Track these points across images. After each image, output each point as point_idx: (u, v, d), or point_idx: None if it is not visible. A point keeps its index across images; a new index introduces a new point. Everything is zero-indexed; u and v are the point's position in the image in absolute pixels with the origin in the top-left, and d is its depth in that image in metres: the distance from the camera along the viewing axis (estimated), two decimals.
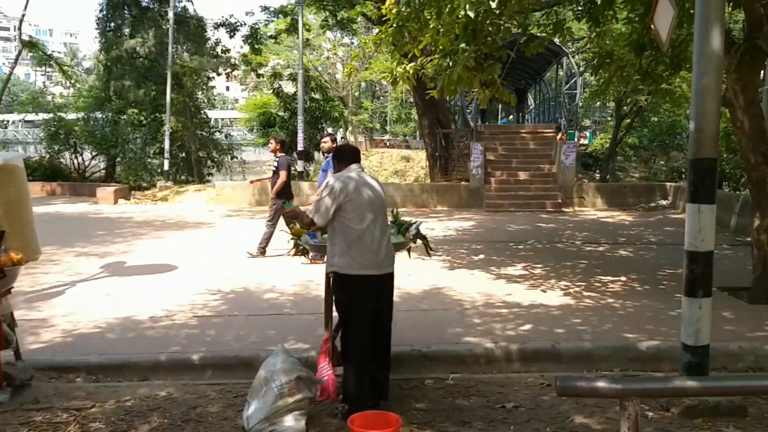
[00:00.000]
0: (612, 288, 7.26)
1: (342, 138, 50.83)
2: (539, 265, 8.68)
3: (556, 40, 10.39)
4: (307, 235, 4.75)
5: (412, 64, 8.68)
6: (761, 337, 5.22)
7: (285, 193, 9.33)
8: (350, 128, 46.76)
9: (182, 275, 8.24)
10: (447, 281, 7.62)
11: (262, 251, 9.35)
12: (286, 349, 4.20)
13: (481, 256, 9.45)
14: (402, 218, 5.28)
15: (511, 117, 38.89)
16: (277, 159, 9.39)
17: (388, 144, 48.48)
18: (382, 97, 55.61)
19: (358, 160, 4.43)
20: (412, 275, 7.65)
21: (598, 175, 37.25)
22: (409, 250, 5.19)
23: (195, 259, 9.37)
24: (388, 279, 4.13)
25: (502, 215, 15.08)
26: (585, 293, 6.97)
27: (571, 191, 16.77)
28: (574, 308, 6.29)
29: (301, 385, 3.74)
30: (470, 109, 18.80)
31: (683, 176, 18.91)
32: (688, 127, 24.30)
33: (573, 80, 19.28)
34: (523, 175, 17.07)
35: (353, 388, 3.97)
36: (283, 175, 9.21)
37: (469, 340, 5.29)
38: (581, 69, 23.12)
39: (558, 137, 18.04)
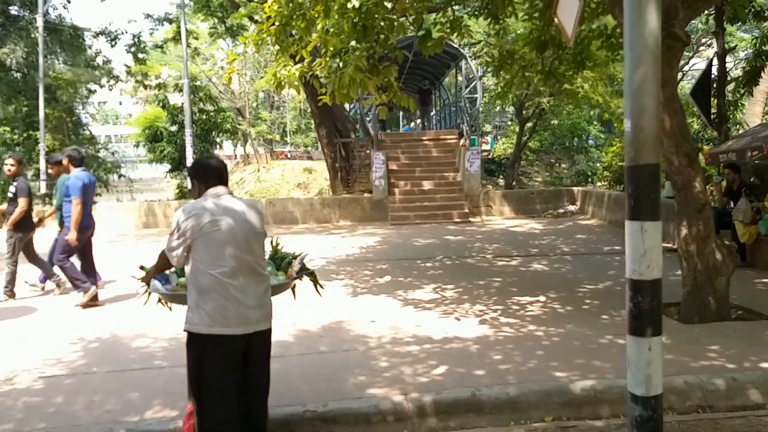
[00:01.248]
0: (531, 311, 6.64)
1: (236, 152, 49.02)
2: (450, 286, 7.99)
3: (455, 39, 9.85)
4: (156, 281, 3.75)
5: (297, 66, 7.83)
6: (706, 368, 4.69)
7: (25, 225, 7.87)
8: (249, 140, 45.22)
9: (38, 319, 6.93)
10: (349, 312, 6.75)
11: (10, 293, 7.92)
12: None
13: (387, 278, 8.67)
14: (284, 250, 4.39)
15: (412, 124, 38.78)
16: (14, 183, 7.88)
17: (289, 156, 47.29)
18: (281, 107, 54.32)
19: (224, 181, 3.51)
20: (309, 306, 6.72)
21: (502, 181, 37.79)
22: (293, 289, 4.30)
23: (58, 297, 8.03)
24: (260, 338, 3.23)
25: (408, 228, 14.44)
26: (503, 319, 6.30)
27: (478, 200, 16.41)
28: (493, 340, 5.58)
29: None
30: (370, 117, 18.14)
31: (589, 179, 19.10)
32: (589, 129, 24.77)
33: (473, 84, 19.03)
34: (427, 185, 16.55)
35: None
36: (23, 202, 7.68)
37: (375, 392, 4.44)
38: (480, 73, 23.12)
39: (461, 144, 17.70)
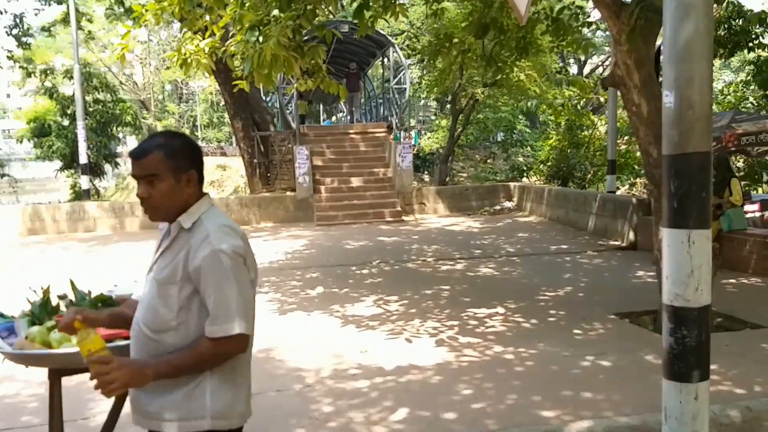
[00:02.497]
0: (493, 326, 5.92)
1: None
2: (394, 297, 7.18)
3: (387, 20, 9.02)
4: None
5: (207, 41, 6.84)
6: (712, 395, 4.06)
7: None
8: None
9: None
10: (279, 335, 5.82)
11: None
12: None
13: (320, 289, 7.76)
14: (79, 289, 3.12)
15: (333, 119, 37.91)
16: None
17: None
18: (190, 100, 51.99)
19: None
20: None
21: (428, 177, 37.39)
22: None
23: None
24: None
25: (336, 229, 13.55)
26: (462, 339, 5.53)
27: (411, 197, 15.71)
28: (457, 368, 4.80)
29: None
30: (290, 109, 17.12)
31: (525, 174, 18.77)
32: (514, 123, 24.51)
33: (401, 73, 18.30)
34: (356, 182, 15.70)
35: None
36: None
37: None
38: (409, 62, 22.50)
39: (390, 137, 16.95)
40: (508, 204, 15.88)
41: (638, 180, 17.78)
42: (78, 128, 15.01)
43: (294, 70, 6.96)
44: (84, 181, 15.33)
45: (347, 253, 10.60)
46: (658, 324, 5.82)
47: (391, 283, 8.06)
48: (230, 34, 7.30)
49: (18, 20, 19.20)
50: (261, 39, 6.21)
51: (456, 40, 10.00)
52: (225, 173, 37.09)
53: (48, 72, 18.47)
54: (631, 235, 10.58)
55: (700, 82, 2.32)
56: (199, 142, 49.56)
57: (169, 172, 2.01)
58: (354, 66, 19.88)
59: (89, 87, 18.30)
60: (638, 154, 16.47)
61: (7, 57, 19.26)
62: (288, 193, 15.46)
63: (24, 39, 19.22)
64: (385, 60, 19.93)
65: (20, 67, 19.38)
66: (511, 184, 16.55)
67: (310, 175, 15.05)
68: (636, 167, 16.24)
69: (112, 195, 42.65)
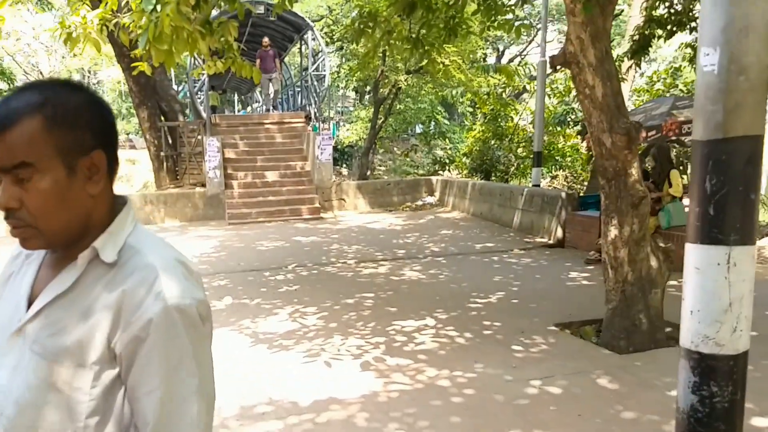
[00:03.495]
0: (423, 342, 5.14)
1: None
2: (312, 309, 6.31)
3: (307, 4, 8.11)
4: None
5: (98, 11, 5.76)
6: None
7: None
8: None
9: None
10: None
11: None
12: None
13: (228, 300, 6.79)
14: None
15: (249, 109, 36.53)
16: None
17: None
18: (98, 90, 48.98)
19: None
20: None
21: (345, 170, 36.53)
22: None
23: None
24: None
25: (250, 228, 12.51)
26: (390, 360, 4.73)
27: (330, 192, 14.83)
28: (386, 400, 3.99)
29: None
30: (201, 98, 15.90)
31: (447, 168, 18.18)
32: (434, 115, 24.02)
33: (321, 59, 17.34)
34: (271, 176, 14.67)
35: None
36: None
37: None
38: (328, 50, 21.52)
39: (309, 128, 16.00)
40: (430, 199, 15.26)
41: (560, 173, 17.55)
42: None
43: (200, 48, 6.00)
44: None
45: (261, 255, 9.62)
46: (603, 337, 5.23)
47: (309, 290, 7.17)
48: (124, 2, 6.27)
49: None
50: (159, 8, 5.21)
51: (381, 19, 9.19)
52: (134, 167, 35.13)
53: None
54: (559, 232, 10.10)
55: (757, 35, 1.58)
56: None
57: (56, 156, 1.09)
58: (267, 42, 16.99)
59: None
60: (561, 145, 16.21)
61: None
62: (197, 188, 14.25)
63: None
64: (303, 46, 18.88)
65: None
66: (433, 178, 15.94)
67: (221, 169, 13.91)
68: (558, 159, 15.93)
69: None
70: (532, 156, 16.16)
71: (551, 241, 10.15)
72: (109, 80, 45.71)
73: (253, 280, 7.81)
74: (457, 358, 4.76)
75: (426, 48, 9.10)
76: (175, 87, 19.13)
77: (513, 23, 7.97)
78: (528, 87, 18.26)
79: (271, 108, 17.72)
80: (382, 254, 9.48)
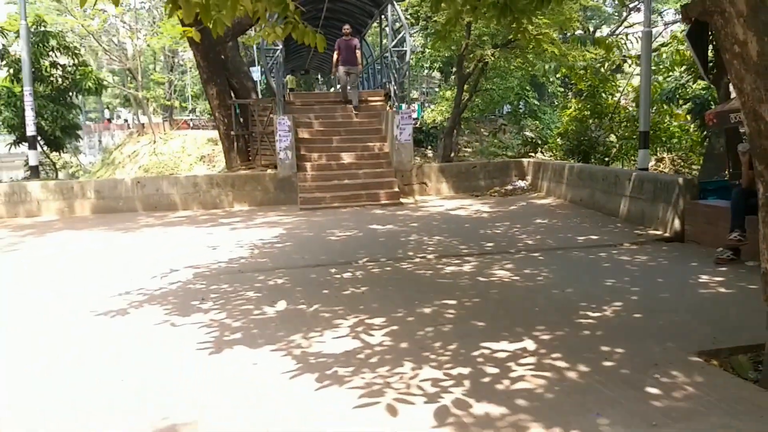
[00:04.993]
0: (521, 379, 3.90)
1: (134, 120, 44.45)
2: (379, 320, 5.17)
3: None
4: None
5: None
6: None
7: None
8: (142, 107, 40.79)
9: None
10: (193, 396, 3.83)
11: None
12: None
13: (281, 305, 5.75)
14: None
15: (333, 90, 35.86)
16: None
17: (191, 124, 43.12)
18: (187, 71, 49.52)
19: None
20: (130, 373, 3.84)
21: (431, 152, 35.25)
22: None
23: None
24: None
25: (322, 214, 11.52)
26: (477, 406, 3.53)
27: (410, 176, 13.66)
28: None
29: None
30: (274, 74, 14.98)
31: (539, 149, 16.62)
32: (523, 94, 22.32)
33: (402, 35, 16.11)
34: (347, 158, 13.63)
35: None
36: None
37: None
38: (413, 29, 20.27)
39: (389, 107, 14.84)
40: (521, 183, 13.83)
41: (666, 155, 15.67)
42: (25, 94, 12.93)
43: (245, 7, 4.96)
44: (32, 157, 13.29)
45: (329, 247, 8.59)
46: (764, 371, 3.86)
47: (379, 294, 6.05)
48: None
49: None
50: None
51: None
52: (217, 147, 35.13)
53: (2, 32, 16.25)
54: (677, 224, 8.53)
55: None
56: (188, 114, 47.48)
57: None
58: (348, 29, 15.23)
59: (44, 49, 16.12)
60: (666, 124, 14.34)
61: None
62: (269, 171, 13.40)
63: None
64: (384, 22, 17.69)
65: None
66: (525, 160, 14.45)
67: (293, 150, 12.99)
68: (665, 140, 14.10)
69: (98, 171, 40.71)
70: (635, 136, 14.44)
71: (668, 234, 8.61)
72: (192, 60, 46.16)
73: (315, 278, 6.76)
74: (571, 406, 3.50)
75: (515, 16, 7.77)
76: (257, 67, 18.35)
77: None
78: (630, 61, 16.40)
79: (354, 110, 15.08)
80: (467, 247, 8.25)
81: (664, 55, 13.72)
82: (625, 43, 13.98)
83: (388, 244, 8.66)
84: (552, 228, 9.60)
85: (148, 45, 40.54)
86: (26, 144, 14.75)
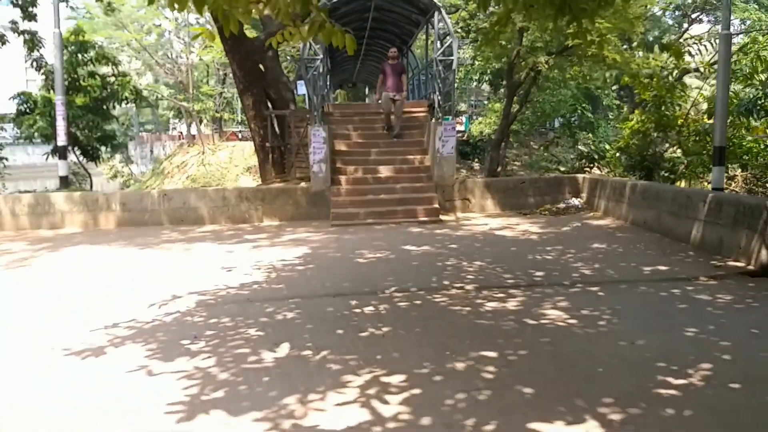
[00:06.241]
0: None
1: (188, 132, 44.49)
2: (398, 379, 4.03)
3: None
4: None
5: None
6: None
7: None
8: (192, 119, 40.64)
9: None
10: None
11: None
12: None
13: (284, 349, 4.67)
14: None
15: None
16: None
17: (240, 136, 42.77)
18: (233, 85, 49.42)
19: None
20: None
21: (477, 165, 33.87)
22: None
23: None
24: None
25: (354, 231, 10.46)
26: None
27: (452, 191, 12.48)
28: None
29: None
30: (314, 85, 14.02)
31: (595, 164, 15.19)
32: (577, 108, 20.79)
33: (448, 44, 14.97)
34: (385, 171, 12.54)
35: None
36: None
37: None
38: (464, 41, 19.10)
39: (433, 119, 13.67)
40: (575, 201, 12.49)
41: (739, 173, 14.06)
42: (57, 103, 12.29)
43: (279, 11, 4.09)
44: (62, 167, 12.65)
45: (355, 271, 7.50)
46: None
47: (403, 338, 4.91)
48: None
49: None
50: None
51: None
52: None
53: (34, 41, 15.77)
54: (764, 255, 7.14)
55: None
56: (236, 126, 47.27)
57: None
58: (394, 52, 13.91)
59: (82, 59, 15.58)
60: (738, 139, 12.78)
61: (11, 29, 16.65)
62: (302, 184, 12.41)
63: (30, 9, 16.59)
64: (430, 30, 16.56)
65: (24, 41, 16.67)
66: (579, 176, 13.09)
67: (327, 163, 11.97)
68: (742, 156, 12.53)
69: (148, 180, 40.67)
70: (704, 152, 12.93)
71: (753, 267, 7.21)
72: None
73: (332, 312, 5.67)
74: None
75: (575, 15, 6.59)
76: (303, 81, 17.41)
77: None
78: (696, 70, 14.88)
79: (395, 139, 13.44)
80: (512, 277, 7.04)
81: (744, 62, 12.21)
82: (699, 49, 12.48)
83: (422, 269, 7.52)
84: (612, 254, 8.30)
85: (201, 59, 40.48)
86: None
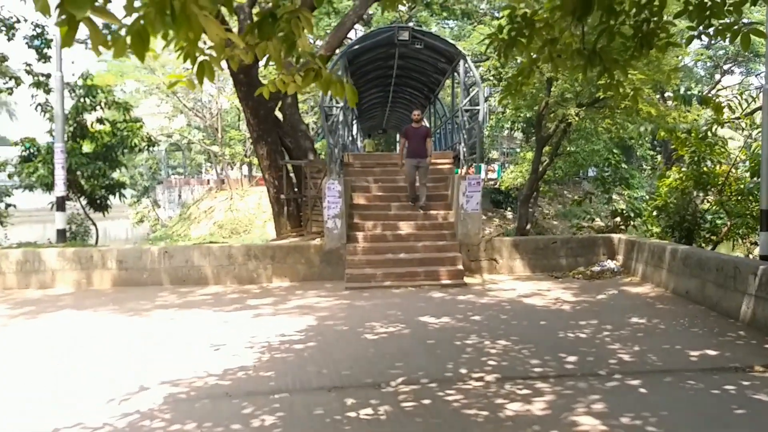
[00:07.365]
0: None
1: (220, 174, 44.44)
2: None
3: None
4: None
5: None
6: None
7: None
8: (222, 164, 40.55)
9: None
10: None
11: None
12: None
13: None
14: None
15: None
16: None
17: None
18: None
19: None
20: None
21: (510, 214, 32.82)
22: None
23: None
24: None
25: (370, 296, 9.58)
26: None
27: (478, 251, 11.54)
28: None
29: None
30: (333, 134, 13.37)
31: (631, 222, 14.11)
32: (611, 158, 19.72)
33: (474, 92, 14.24)
34: (406, 227, 11.70)
35: None
36: None
37: None
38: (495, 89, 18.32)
39: (462, 171, 12.82)
40: (610, 264, 11.44)
41: None
42: (55, 150, 11.78)
43: (209, 34, 3.31)
44: (59, 219, 12.05)
45: (361, 352, 6.60)
46: None
47: None
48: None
49: (39, 30, 16.48)
50: None
51: (541, 25, 5.95)
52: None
53: (41, 84, 15.44)
54: None
55: None
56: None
57: None
58: (418, 115, 12.79)
59: (89, 104, 15.18)
60: None
61: (26, 71, 16.48)
62: (315, 241, 11.60)
63: (45, 51, 16.44)
64: (457, 78, 15.88)
65: (30, 83, 16.36)
66: (615, 236, 12.04)
67: (343, 218, 11.17)
68: None
69: (174, 224, 40.41)
70: (747, 213, 11.81)
71: None
72: None
73: (320, 415, 4.77)
74: None
75: (606, 66, 5.81)
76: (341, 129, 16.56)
77: (741, 27, 5.06)
78: (741, 122, 13.85)
79: (420, 210, 12.19)
80: (540, 363, 6.08)
81: None
82: (740, 103, 11.48)
83: (438, 350, 6.60)
84: (653, 333, 7.27)
85: (232, 103, 40.58)
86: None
